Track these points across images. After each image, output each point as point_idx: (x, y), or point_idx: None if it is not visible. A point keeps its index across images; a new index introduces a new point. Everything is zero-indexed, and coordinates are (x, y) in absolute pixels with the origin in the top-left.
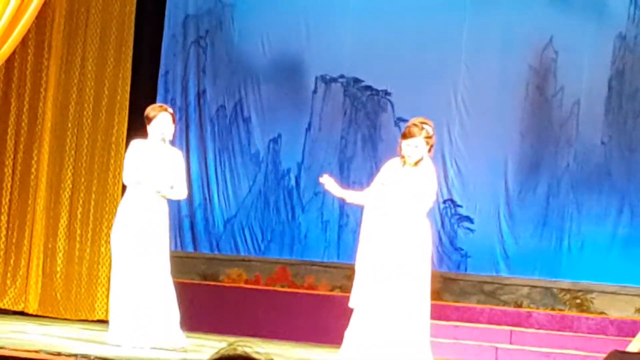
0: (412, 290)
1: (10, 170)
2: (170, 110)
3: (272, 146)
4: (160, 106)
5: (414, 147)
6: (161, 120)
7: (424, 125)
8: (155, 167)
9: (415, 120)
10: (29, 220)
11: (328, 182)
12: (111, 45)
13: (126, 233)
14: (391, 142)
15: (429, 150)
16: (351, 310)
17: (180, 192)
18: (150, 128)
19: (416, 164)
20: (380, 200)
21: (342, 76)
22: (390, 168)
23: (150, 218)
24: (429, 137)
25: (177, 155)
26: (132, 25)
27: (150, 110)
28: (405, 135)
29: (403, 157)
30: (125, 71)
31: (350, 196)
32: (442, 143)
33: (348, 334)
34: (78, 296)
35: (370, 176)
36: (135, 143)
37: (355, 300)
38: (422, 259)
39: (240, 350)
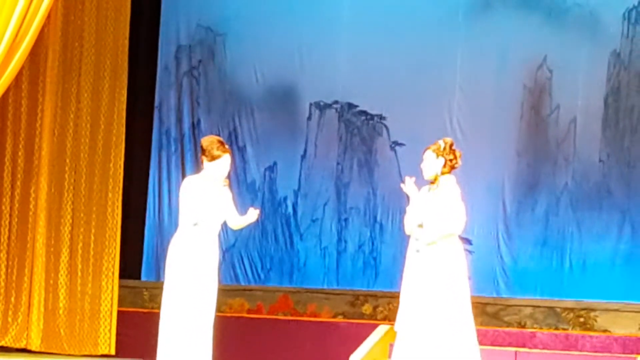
0: (455, 311)
1: (8, 208)
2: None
3: (268, 174)
4: (227, 147)
5: (425, 160)
6: (226, 162)
7: (439, 141)
8: (220, 205)
9: None
10: (29, 257)
11: (409, 184)
12: (105, 79)
13: (184, 273)
14: (387, 166)
15: (444, 166)
16: (354, 336)
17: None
18: (211, 165)
19: (434, 181)
20: (414, 230)
21: (336, 102)
22: (419, 195)
23: (206, 258)
24: (440, 151)
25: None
26: (125, 59)
27: (214, 149)
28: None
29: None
30: (120, 104)
31: (412, 204)
32: None
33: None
34: (81, 331)
35: (368, 201)
36: (196, 182)
37: (399, 324)
38: (459, 279)
39: None
